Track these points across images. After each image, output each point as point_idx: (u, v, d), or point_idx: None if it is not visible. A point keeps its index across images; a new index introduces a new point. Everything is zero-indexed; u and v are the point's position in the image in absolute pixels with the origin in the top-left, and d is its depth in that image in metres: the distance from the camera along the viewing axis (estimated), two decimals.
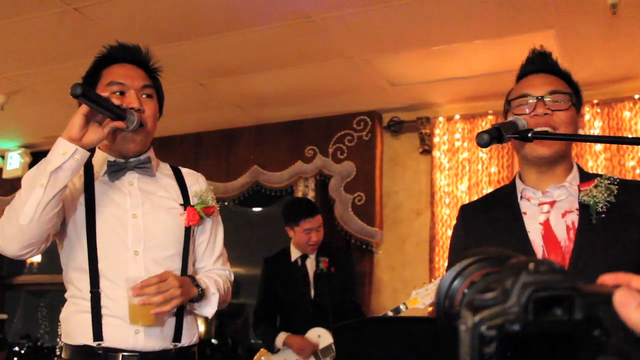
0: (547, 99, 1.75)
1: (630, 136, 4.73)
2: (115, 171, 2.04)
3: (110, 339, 1.91)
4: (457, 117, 5.28)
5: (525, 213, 1.77)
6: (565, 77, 1.84)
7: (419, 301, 3.90)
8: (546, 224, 1.73)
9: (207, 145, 6.08)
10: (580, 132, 1.82)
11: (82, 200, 2.00)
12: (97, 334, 1.91)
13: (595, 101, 4.89)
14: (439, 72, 4.79)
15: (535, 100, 1.75)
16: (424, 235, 5.28)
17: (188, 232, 2.07)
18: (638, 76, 4.75)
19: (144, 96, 2.05)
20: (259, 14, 3.99)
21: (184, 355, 2.02)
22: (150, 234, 2.00)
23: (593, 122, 4.88)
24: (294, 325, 4.04)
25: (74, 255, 1.99)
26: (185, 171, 2.21)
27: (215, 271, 2.17)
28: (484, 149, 5.12)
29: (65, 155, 1.81)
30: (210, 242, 2.18)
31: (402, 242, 5.40)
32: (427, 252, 5.20)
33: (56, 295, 5.93)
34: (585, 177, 1.78)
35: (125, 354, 1.91)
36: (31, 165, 6.23)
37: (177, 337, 1.99)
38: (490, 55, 4.41)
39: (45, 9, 3.93)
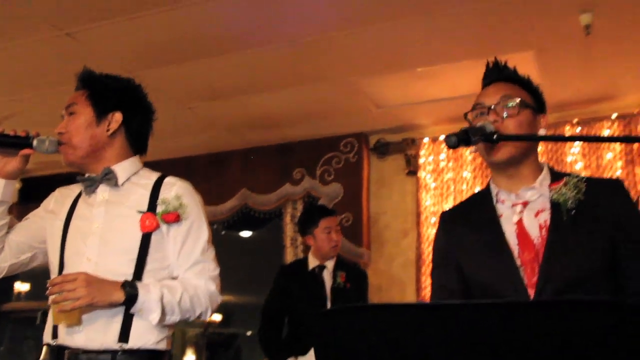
0: (497, 107, 1.82)
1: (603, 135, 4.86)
2: (88, 186, 2.20)
3: (62, 337, 2.05)
4: (442, 137, 5.39)
5: (501, 215, 1.85)
6: (522, 83, 1.92)
7: None
8: (519, 223, 1.80)
9: (197, 169, 6.15)
10: (542, 131, 1.89)
11: (62, 217, 2.22)
12: (54, 332, 2.08)
13: (575, 120, 5.02)
14: (423, 93, 4.91)
15: (486, 110, 1.84)
16: (411, 255, 5.35)
17: (146, 239, 2.10)
18: (615, 96, 4.89)
19: (67, 116, 2.23)
20: (245, 38, 4.10)
21: (134, 357, 2.04)
22: (105, 241, 2.11)
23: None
24: (304, 335, 3.95)
25: (52, 267, 2.20)
26: (167, 180, 2.23)
27: (186, 280, 2.14)
28: (468, 169, 5.24)
29: None
30: (183, 250, 2.15)
31: (389, 262, 5.46)
32: (414, 272, 5.27)
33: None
34: (556, 176, 1.85)
35: (69, 350, 2.03)
36: (21, 191, 6.28)
37: (123, 337, 2.03)
38: (472, 76, 4.46)
39: (37, 34, 4.02)
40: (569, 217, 1.75)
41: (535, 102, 1.91)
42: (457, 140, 1.69)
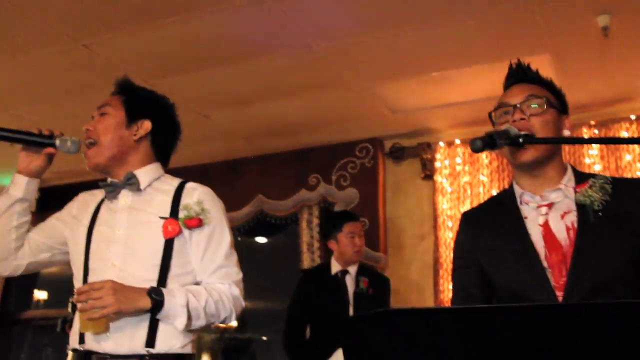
0: (523, 105, 1.83)
1: (622, 136, 4.82)
2: (110, 192, 2.23)
3: (89, 343, 2.07)
4: (457, 141, 5.38)
5: (526, 217, 1.83)
6: (545, 84, 1.92)
7: None
8: (546, 226, 1.79)
9: (213, 176, 6.15)
10: (566, 132, 1.88)
11: (86, 223, 2.24)
12: (81, 338, 2.10)
13: (593, 122, 4.98)
14: (438, 98, 4.89)
15: (512, 109, 1.84)
16: (428, 259, 5.33)
17: (169, 245, 2.12)
18: (633, 97, 4.85)
19: (98, 116, 2.28)
20: (260, 45, 4.11)
21: None
22: (128, 247, 2.13)
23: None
24: (327, 339, 3.92)
25: (76, 273, 2.21)
26: (188, 185, 2.25)
27: (210, 285, 2.15)
28: (484, 173, 5.21)
29: (13, 184, 2.26)
30: (206, 255, 2.16)
31: (406, 266, 5.45)
32: (431, 276, 5.25)
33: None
34: (581, 178, 1.84)
35: (97, 355, 2.06)
36: (38, 200, 6.32)
37: (149, 342, 2.04)
38: (488, 80, 4.51)
39: (54, 45, 4.05)
40: (596, 218, 1.73)
41: (559, 103, 1.91)
42: (483, 144, 1.68)
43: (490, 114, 1.93)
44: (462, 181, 5.31)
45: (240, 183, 6.05)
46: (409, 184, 5.63)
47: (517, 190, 1.89)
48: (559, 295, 1.72)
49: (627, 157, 4.83)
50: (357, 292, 4.02)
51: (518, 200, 1.87)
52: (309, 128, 5.49)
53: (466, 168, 5.33)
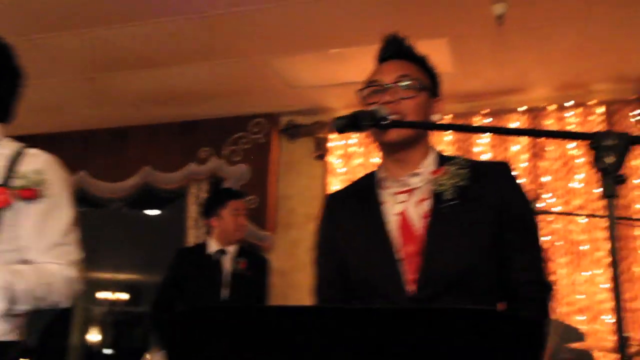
0: (394, 85, 1.71)
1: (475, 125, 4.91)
2: None
3: None
4: None
5: (383, 203, 1.73)
6: (419, 62, 1.82)
7: None
8: (402, 214, 1.69)
9: (98, 143, 5.84)
10: (435, 116, 1.79)
11: None
12: None
13: (485, 111, 5.04)
14: (335, 76, 4.79)
15: (382, 88, 1.72)
16: None
17: None
18: (524, 89, 4.93)
19: None
20: (152, 6, 3.85)
21: None
22: None
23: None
24: None
25: None
26: (30, 151, 1.97)
27: (40, 265, 1.89)
28: (378, 155, 5.17)
29: None
30: (40, 231, 1.91)
31: (294, 246, 5.35)
32: None
33: None
34: (443, 161, 1.75)
35: None
36: None
37: None
38: None
39: None
40: (449, 207, 1.64)
41: (431, 84, 1.81)
42: (345, 125, 1.54)
43: (360, 91, 1.80)
44: (355, 163, 5.26)
45: (126, 152, 5.76)
46: (302, 162, 5.52)
47: (380, 173, 1.79)
48: (412, 290, 1.62)
49: (515, 148, 4.92)
50: (234, 273, 3.87)
51: (378, 184, 1.77)
52: (201, 98, 5.26)
53: (361, 150, 5.27)
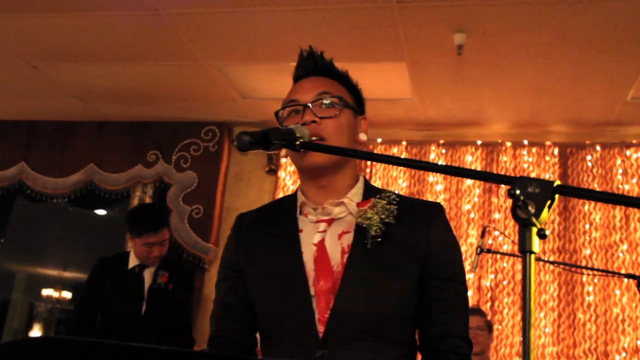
0: (314, 104, 1.55)
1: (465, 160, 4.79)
2: None
3: None
4: None
5: (301, 230, 1.56)
6: (340, 78, 1.66)
7: None
8: (320, 245, 1.52)
9: (41, 135, 5.60)
10: (363, 136, 1.63)
11: None
12: None
13: (442, 141, 4.93)
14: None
15: (302, 107, 1.56)
16: None
17: None
18: (482, 123, 4.83)
19: None
20: None
21: None
22: None
23: (437, 162, 4.91)
24: (117, 338, 3.51)
25: None
26: None
27: None
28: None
29: None
30: None
31: None
32: None
33: None
34: (370, 193, 1.58)
35: None
36: None
37: None
38: None
39: None
40: (373, 244, 1.47)
41: (355, 101, 1.64)
42: (251, 142, 1.35)
43: (277, 113, 1.63)
44: None
45: (71, 148, 5.53)
46: (252, 175, 5.36)
47: (300, 197, 1.60)
48: (321, 331, 1.45)
49: (469, 182, 4.82)
50: (153, 287, 3.63)
51: (298, 210, 1.59)
52: (152, 99, 5.06)
53: None
